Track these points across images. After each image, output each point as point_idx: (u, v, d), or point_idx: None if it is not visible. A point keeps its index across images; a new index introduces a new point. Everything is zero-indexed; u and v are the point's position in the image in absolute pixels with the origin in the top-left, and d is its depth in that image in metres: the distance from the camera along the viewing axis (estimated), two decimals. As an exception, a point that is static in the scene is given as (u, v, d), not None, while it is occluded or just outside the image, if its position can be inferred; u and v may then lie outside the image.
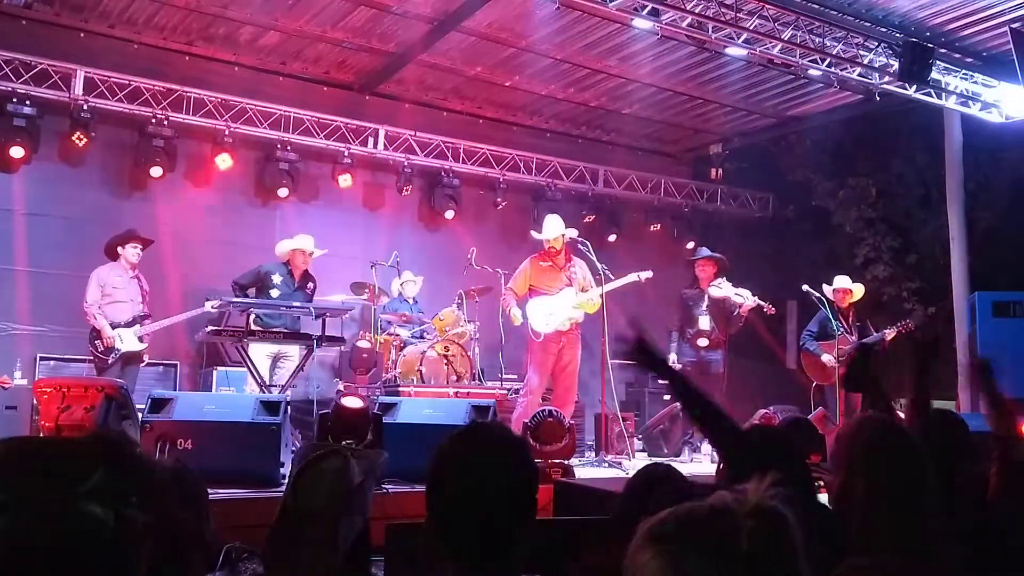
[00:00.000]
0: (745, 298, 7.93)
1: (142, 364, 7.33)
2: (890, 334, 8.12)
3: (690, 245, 11.38)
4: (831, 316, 8.03)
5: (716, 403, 2.65)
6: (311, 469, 2.19)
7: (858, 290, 8.45)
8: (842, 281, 8.41)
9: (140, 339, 7.18)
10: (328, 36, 8.70)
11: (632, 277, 7.56)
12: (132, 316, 7.17)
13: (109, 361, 7.01)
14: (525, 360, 7.42)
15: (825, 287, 8.33)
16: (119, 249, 7.28)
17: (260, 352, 7.14)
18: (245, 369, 7.21)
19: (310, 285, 7.76)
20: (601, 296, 7.32)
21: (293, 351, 7.32)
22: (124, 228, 8.37)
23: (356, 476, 2.21)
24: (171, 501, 0.90)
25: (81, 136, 8.10)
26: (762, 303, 8.00)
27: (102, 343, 7.02)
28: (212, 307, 7.25)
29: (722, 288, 8.06)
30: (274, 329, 7.27)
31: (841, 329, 8.16)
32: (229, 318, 7.36)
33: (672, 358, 8.14)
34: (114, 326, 7.05)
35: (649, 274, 7.64)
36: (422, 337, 8.58)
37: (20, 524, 0.75)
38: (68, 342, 7.72)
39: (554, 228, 7.41)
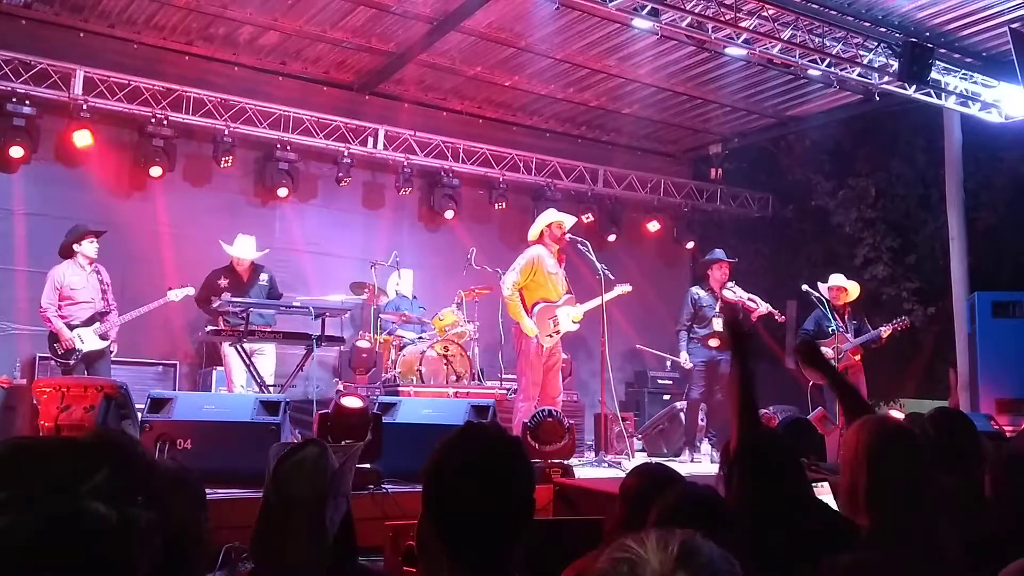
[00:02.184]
0: (758, 304, 7.98)
1: (111, 358, 7.21)
2: (886, 331, 8.10)
3: (690, 245, 11.41)
4: (828, 315, 8.04)
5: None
6: (289, 459, 2.17)
7: (853, 288, 8.40)
8: (837, 279, 8.39)
9: (102, 336, 7.06)
10: (328, 36, 8.70)
11: (616, 291, 7.51)
12: (92, 314, 7.04)
13: (71, 363, 6.89)
14: (519, 362, 7.31)
15: (820, 285, 8.34)
16: (75, 247, 7.05)
17: (233, 350, 7.16)
18: (237, 369, 7.24)
19: (263, 276, 7.68)
20: (602, 301, 7.26)
21: (268, 347, 7.32)
22: (124, 228, 8.40)
23: (334, 460, 2.19)
24: (172, 501, 0.90)
25: (81, 136, 8.10)
26: (773, 311, 8.04)
27: (61, 346, 6.90)
28: (175, 297, 7.25)
29: (736, 292, 8.09)
30: (274, 329, 7.28)
31: (838, 327, 8.16)
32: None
33: (684, 357, 8.17)
34: (73, 326, 6.93)
35: (628, 288, 7.59)
36: (422, 337, 8.58)
37: (23, 523, 0.75)
38: (68, 342, 7.71)
39: (559, 214, 7.35)
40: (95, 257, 7.10)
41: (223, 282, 7.48)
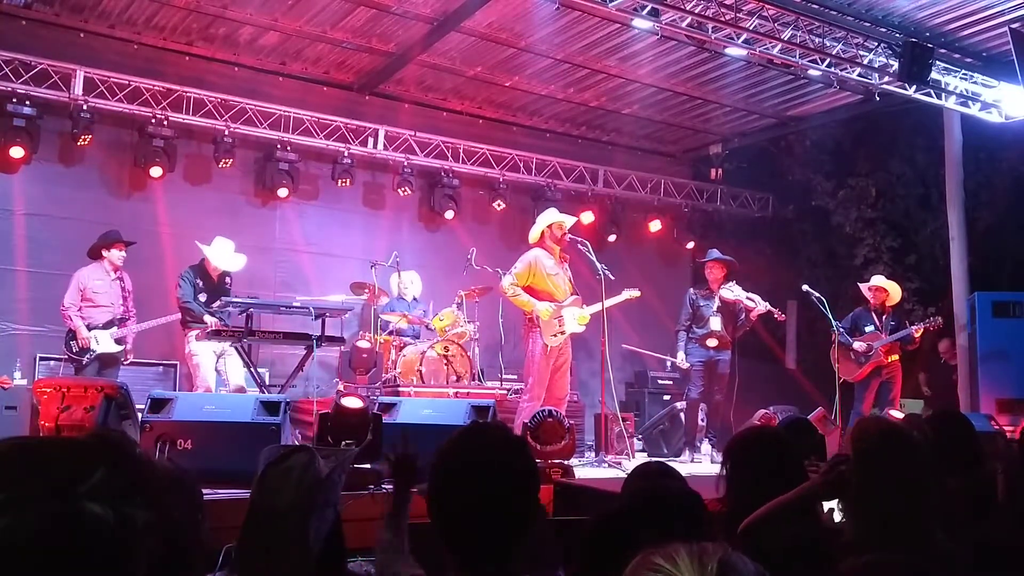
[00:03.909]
0: (757, 303, 8.00)
1: (123, 365, 7.36)
2: (918, 330, 8.23)
3: (690, 245, 11.40)
4: (830, 316, 8.05)
5: None
6: (276, 465, 2.13)
7: (894, 290, 8.47)
8: (878, 280, 8.53)
9: (118, 341, 7.20)
10: (328, 36, 8.70)
11: (625, 295, 7.54)
12: (110, 318, 7.21)
13: (84, 362, 7.05)
14: (526, 363, 7.32)
15: (861, 285, 8.45)
16: (103, 252, 7.27)
17: (207, 349, 7.19)
18: (208, 371, 7.26)
19: (227, 279, 7.66)
20: (602, 299, 7.25)
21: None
22: (124, 228, 8.38)
23: (323, 468, 2.15)
24: (170, 501, 0.90)
25: (81, 136, 8.10)
26: (773, 309, 8.05)
27: (77, 344, 7.07)
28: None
29: (734, 291, 8.11)
30: (274, 329, 7.28)
31: (873, 327, 8.30)
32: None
33: (680, 357, 8.19)
34: (91, 327, 7.08)
35: (637, 293, 7.62)
36: (421, 338, 8.58)
37: (20, 524, 0.74)
38: (68, 342, 7.71)
39: (559, 215, 7.35)
40: (120, 265, 7.29)
41: (199, 282, 7.49)
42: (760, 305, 8.00)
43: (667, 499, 2.12)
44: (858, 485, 2.27)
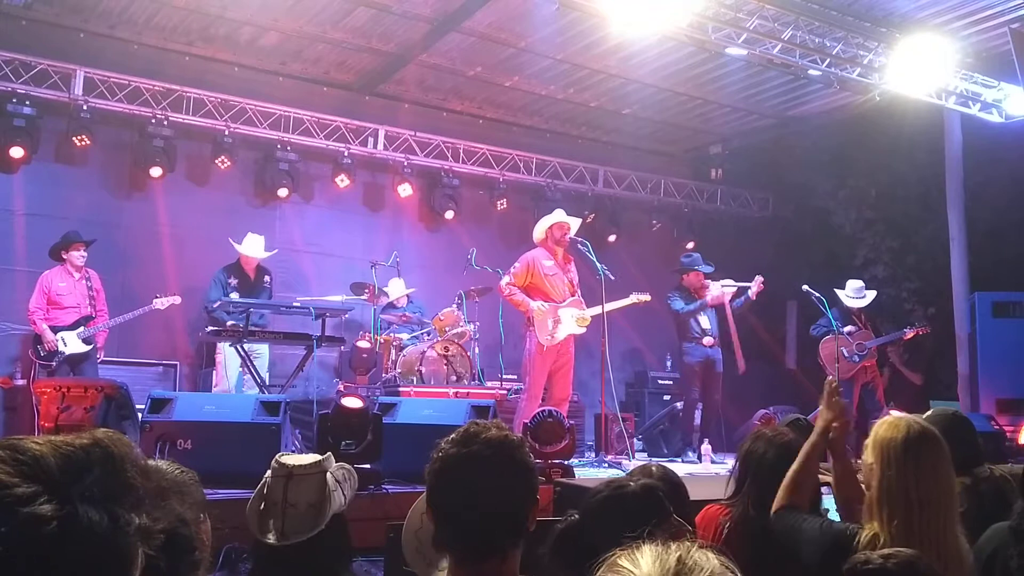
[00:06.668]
0: (728, 285, 8.17)
1: (96, 360, 7.40)
2: (909, 334, 8.48)
3: (690, 245, 11.38)
4: (831, 316, 8.10)
5: None
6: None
7: (870, 296, 8.76)
8: (857, 284, 8.75)
9: (85, 340, 7.24)
10: (328, 36, 8.70)
11: (632, 299, 7.56)
12: (77, 318, 7.25)
13: (53, 364, 7.11)
14: (524, 362, 7.34)
15: (839, 292, 8.54)
16: (63, 254, 7.33)
17: (232, 350, 7.24)
18: (232, 369, 7.29)
19: (266, 278, 7.82)
20: (602, 300, 7.26)
21: (263, 348, 7.41)
22: (124, 228, 8.42)
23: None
24: (169, 503, 0.89)
25: (81, 137, 8.10)
26: (740, 284, 8.20)
27: (44, 347, 7.12)
28: (161, 305, 7.38)
29: (714, 290, 8.24)
30: (274, 329, 7.29)
31: (858, 327, 8.52)
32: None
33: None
34: (57, 329, 7.13)
35: (647, 297, 7.67)
36: (421, 338, 8.58)
37: (12, 526, 0.74)
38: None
39: (564, 215, 7.38)
40: (82, 265, 7.33)
41: (232, 281, 7.55)
42: (731, 287, 8.22)
43: (624, 498, 2.13)
44: (885, 483, 2.27)
